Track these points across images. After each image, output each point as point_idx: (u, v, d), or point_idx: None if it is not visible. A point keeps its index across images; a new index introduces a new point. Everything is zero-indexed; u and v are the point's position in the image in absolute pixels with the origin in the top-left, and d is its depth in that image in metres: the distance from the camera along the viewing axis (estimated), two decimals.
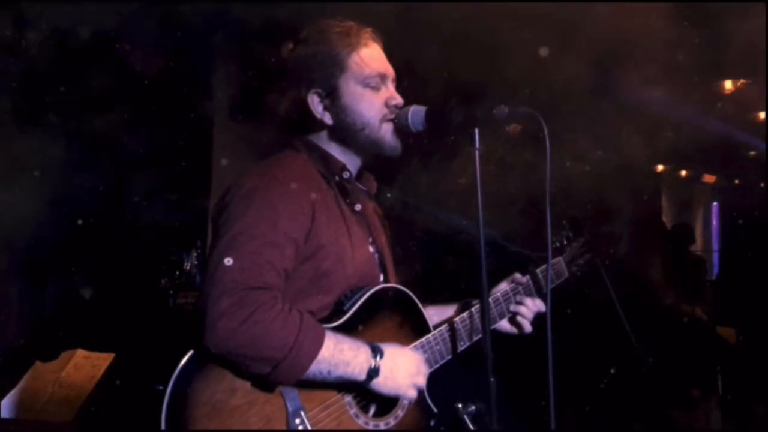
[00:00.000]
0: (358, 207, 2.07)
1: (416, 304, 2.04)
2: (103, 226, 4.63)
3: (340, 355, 1.78)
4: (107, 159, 4.60)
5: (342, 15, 2.07)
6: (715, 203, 11.52)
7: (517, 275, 2.26)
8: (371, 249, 2.07)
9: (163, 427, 1.68)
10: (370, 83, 2.01)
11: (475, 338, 2.10)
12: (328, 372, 1.77)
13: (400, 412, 1.95)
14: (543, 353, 1.90)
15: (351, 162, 2.07)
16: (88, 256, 4.60)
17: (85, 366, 3.24)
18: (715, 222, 11.49)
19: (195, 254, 5.22)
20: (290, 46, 2.08)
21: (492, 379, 1.82)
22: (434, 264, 5.00)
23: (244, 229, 1.78)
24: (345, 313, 1.90)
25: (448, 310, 2.21)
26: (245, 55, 4.94)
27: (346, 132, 2.02)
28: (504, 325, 2.23)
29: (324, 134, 2.06)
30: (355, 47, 2.01)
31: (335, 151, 2.06)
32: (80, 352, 3.26)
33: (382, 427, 1.91)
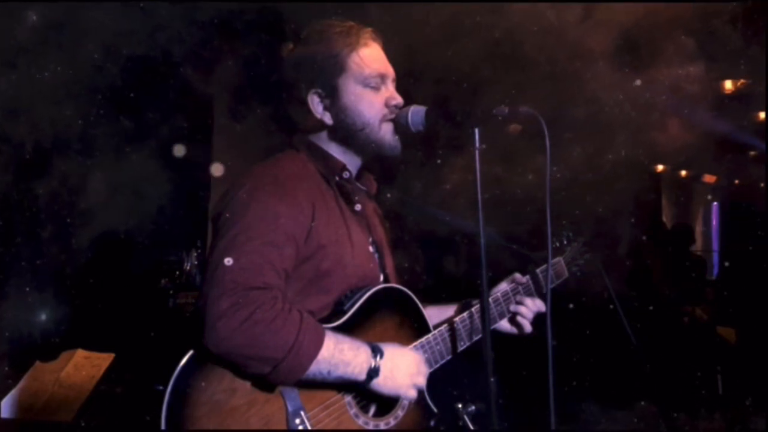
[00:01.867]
0: (358, 207, 2.07)
1: (416, 304, 2.05)
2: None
3: (340, 355, 1.78)
4: (103, 157, 4.59)
5: (342, 15, 2.07)
6: (715, 203, 11.50)
7: (517, 275, 2.26)
8: (371, 249, 2.07)
9: (163, 427, 1.68)
10: (370, 83, 2.01)
11: (475, 338, 2.11)
12: (328, 372, 1.77)
13: (400, 412, 1.95)
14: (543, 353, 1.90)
15: (351, 162, 2.07)
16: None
17: (85, 366, 3.24)
18: (715, 222, 11.47)
19: (195, 254, 5.21)
20: (290, 46, 2.08)
21: (492, 379, 1.82)
22: (434, 264, 4.99)
23: (244, 229, 1.78)
24: (345, 313, 1.90)
25: (448, 310, 2.21)
26: (245, 55, 4.94)
27: (346, 132, 2.02)
28: (504, 325, 2.24)
29: (324, 134, 2.06)
30: (355, 47, 2.01)
31: (335, 151, 2.06)
32: (80, 352, 3.26)
33: (382, 427, 1.91)
